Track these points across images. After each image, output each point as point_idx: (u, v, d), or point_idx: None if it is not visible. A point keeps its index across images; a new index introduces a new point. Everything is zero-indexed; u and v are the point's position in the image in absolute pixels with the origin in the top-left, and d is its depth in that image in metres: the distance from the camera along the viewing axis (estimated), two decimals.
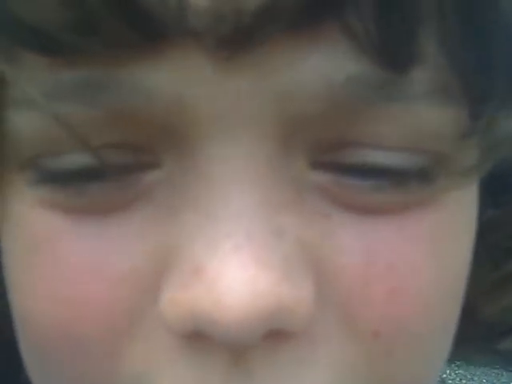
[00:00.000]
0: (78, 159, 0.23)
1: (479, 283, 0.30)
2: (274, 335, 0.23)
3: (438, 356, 0.27)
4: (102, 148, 0.23)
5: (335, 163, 0.24)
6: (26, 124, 0.23)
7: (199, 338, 0.23)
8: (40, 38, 0.21)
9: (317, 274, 0.23)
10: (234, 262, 0.22)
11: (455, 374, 3.19)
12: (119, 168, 0.23)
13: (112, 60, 0.22)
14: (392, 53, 0.21)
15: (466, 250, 0.27)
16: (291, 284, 0.22)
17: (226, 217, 0.22)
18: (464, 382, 3.14)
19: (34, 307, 0.25)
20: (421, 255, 0.24)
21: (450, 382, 3.11)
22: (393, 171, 0.24)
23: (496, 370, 3.26)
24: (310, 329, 0.23)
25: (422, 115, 0.23)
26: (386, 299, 0.24)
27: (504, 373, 3.25)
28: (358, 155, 0.23)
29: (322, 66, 0.22)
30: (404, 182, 0.24)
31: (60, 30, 0.21)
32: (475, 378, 3.21)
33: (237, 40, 0.21)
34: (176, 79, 0.22)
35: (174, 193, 0.23)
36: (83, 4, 0.21)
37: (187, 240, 0.23)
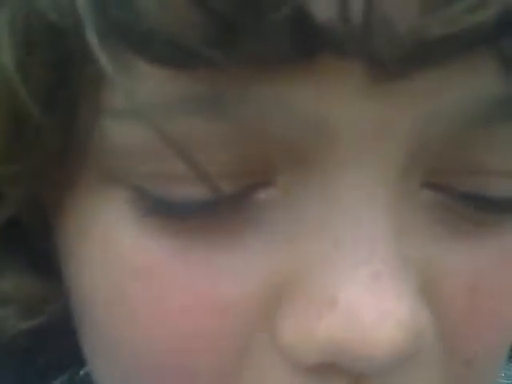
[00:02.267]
0: (192, 192, 0.22)
1: None
2: None
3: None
4: (217, 176, 0.21)
5: (448, 186, 0.23)
6: (132, 138, 0.22)
7: (321, 367, 0.22)
8: (174, 52, 0.20)
9: (427, 298, 0.23)
10: (374, 291, 0.21)
11: None
12: (233, 195, 0.22)
13: (250, 74, 0.20)
14: None
15: None
16: (424, 313, 0.22)
17: (359, 243, 0.21)
18: None
19: (137, 337, 0.23)
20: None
21: None
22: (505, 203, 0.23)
23: None
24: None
25: None
26: (486, 328, 0.24)
27: None
28: (473, 182, 0.23)
29: (464, 96, 0.21)
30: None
31: (201, 43, 0.20)
32: None
33: (396, 66, 0.20)
34: (320, 99, 0.21)
35: (290, 216, 0.22)
36: (227, 17, 0.19)
37: (314, 268, 0.22)
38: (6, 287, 0.27)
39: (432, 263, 0.23)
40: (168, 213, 0.22)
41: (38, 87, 0.22)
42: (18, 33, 0.22)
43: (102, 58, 0.21)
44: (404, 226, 0.22)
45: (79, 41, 0.21)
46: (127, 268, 0.23)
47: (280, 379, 0.23)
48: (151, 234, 0.23)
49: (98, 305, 0.25)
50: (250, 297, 0.22)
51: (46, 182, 0.25)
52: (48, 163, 0.24)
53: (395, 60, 0.20)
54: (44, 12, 0.21)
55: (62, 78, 0.23)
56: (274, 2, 0.19)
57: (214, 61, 0.20)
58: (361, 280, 0.21)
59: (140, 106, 0.21)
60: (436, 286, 0.23)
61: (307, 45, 0.20)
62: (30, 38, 0.22)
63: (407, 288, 0.21)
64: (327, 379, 0.22)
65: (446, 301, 0.23)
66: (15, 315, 0.27)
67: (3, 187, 0.25)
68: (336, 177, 0.21)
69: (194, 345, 0.23)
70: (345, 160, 0.21)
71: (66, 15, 0.21)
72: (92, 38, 0.21)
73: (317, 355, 0.21)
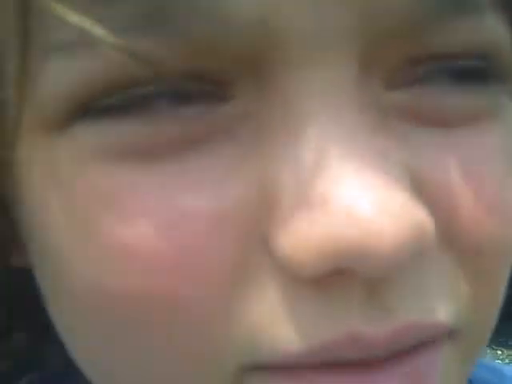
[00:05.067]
0: (141, 90, 0.21)
1: None
2: None
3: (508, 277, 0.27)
4: (171, 77, 0.21)
5: (413, 76, 0.23)
6: (74, 70, 0.21)
7: (327, 280, 0.20)
8: None
9: (421, 195, 0.22)
10: (366, 185, 0.20)
11: None
12: (192, 97, 0.21)
13: None
14: None
15: None
16: (420, 204, 0.21)
17: (338, 143, 0.20)
18: None
19: (109, 272, 0.21)
20: (503, 167, 0.24)
21: None
22: (474, 70, 0.23)
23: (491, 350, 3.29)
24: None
25: (487, 25, 0.23)
26: (487, 215, 0.23)
27: (500, 351, 3.28)
28: (436, 62, 0.23)
29: None
30: (483, 83, 0.24)
31: None
32: None
33: None
34: (258, 3, 0.20)
35: (258, 125, 0.21)
36: None
37: (295, 170, 0.20)
38: None
39: (413, 159, 0.22)
40: (128, 118, 0.21)
41: None
42: None
43: None
44: (373, 125, 0.21)
45: None
46: (95, 198, 0.21)
47: (281, 297, 0.21)
48: (119, 162, 0.21)
49: (65, 250, 0.22)
50: (234, 209, 0.21)
51: None
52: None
53: None
54: None
55: None
56: None
57: None
58: (348, 176, 0.20)
59: (93, 33, 0.20)
60: (424, 180, 0.22)
61: None
62: None
63: (396, 181, 0.20)
64: (336, 293, 0.21)
65: (438, 193, 0.22)
66: None
67: None
68: (292, 80, 0.21)
69: (180, 268, 0.21)
70: (295, 61, 0.21)
71: None
72: None
73: (317, 264, 0.20)
